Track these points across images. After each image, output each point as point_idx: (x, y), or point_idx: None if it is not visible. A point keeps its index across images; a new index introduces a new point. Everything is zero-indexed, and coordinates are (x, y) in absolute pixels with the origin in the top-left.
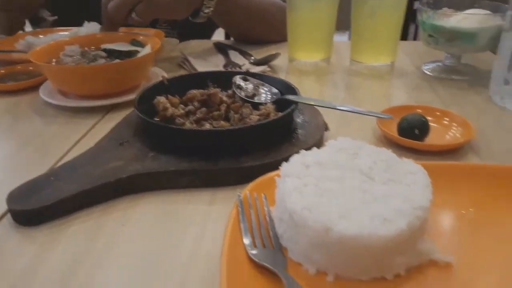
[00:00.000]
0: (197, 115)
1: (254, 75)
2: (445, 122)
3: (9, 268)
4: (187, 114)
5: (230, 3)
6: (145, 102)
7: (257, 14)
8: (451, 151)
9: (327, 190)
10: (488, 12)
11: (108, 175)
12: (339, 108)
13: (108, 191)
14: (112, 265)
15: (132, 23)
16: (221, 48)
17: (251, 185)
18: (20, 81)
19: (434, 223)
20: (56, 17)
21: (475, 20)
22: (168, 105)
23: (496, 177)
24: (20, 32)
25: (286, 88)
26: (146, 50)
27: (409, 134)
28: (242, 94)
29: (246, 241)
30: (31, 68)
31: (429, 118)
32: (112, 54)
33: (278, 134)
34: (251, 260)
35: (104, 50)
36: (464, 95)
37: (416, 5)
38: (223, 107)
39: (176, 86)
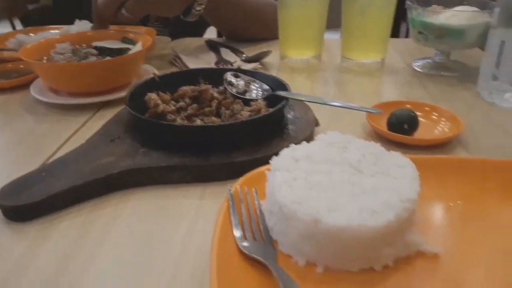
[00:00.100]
0: (188, 111)
1: (245, 72)
2: (434, 117)
3: (0, 264)
4: (178, 111)
5: (221, 0)
6: (136, 99)
7: (249, 12)
8: (439, 146)
9: (316, 183)
10: (476, 9)
11: (99, 170)
12: (328, 103)
13: (99, 187)
14: (103, 260)
15: (122, 20)
16: (212, 46)
17: (241, 179)
18: (11, 79)
19: (422, 215)
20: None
21: (464, 17)
22: (159, 101)
23: (483, 171)
24: (11, 30)
25: (277, 84)
26: (137, 48)
27: (398, 129)
28: (233, 90)
29: (237, 233)
30: (21, 66)
31: (418, 113)
32: (103, 51)
33: (269, 130)
34: (241, 252)
35: (95, 47)
36: (453, 91)
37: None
38: (214, 103)
39: (167, 83)
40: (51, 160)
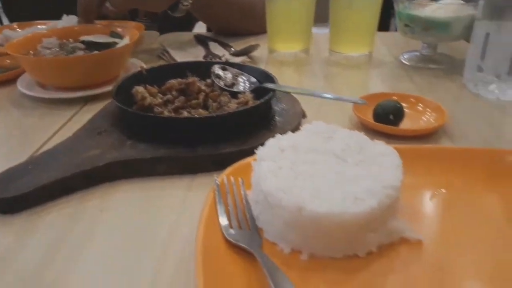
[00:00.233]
0: (175, 104)
1: (233, 65)
2: (419, 108)
3: None
4: (165, 103)
5: None
6: (123, 92)
7: (247, 10)
8: (425, 136)
9: (301, 173)
10: (461, 2)
11: (86, 163)
12: (314, 94)
13: (86, 179)
14: (90, 251)
15: (107, 14)
16: (201, 40)
17: (228, 169)
18: None
19: (406, 203)
20: None
21: (449, 9)
22: (146, 94)
23: (467, 159)
24: None
25: (265, 77)
26: (124, 42)
27: (384, 119)
28: (221, 83)
29: (223, 222)
30: (8, 61)
31: (404, 104)
32: (90, 46)
33: (256, 122)
34: (227, 241)
35: (83, 42)
36: (440, 83)
37: None
38: (201, 96)
39: (154, 77)
40: (38, 153)
